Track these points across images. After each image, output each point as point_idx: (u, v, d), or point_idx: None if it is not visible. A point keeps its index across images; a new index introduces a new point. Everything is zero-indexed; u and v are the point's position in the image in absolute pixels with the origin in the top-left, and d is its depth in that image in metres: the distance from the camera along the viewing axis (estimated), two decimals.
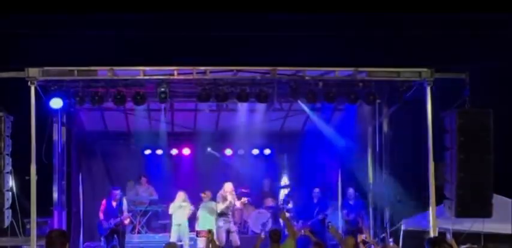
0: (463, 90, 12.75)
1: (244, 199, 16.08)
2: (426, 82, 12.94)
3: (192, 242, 15.99)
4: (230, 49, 16.02)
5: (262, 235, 11.39)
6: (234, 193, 15.57)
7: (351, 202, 16.09)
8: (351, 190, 16.22)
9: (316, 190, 16.17)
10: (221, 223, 15.21)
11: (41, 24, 15.27)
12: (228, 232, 15.22)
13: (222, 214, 15.27)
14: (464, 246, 12.01)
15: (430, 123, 12.91)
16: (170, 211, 16.07)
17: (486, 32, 15.40)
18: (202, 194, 15.89)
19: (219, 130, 18.27)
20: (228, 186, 15.51)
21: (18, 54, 15.07)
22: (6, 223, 12.12)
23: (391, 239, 14.54)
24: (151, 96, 13.63)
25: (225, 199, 15.35)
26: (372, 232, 15.96)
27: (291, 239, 10.49)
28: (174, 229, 16.00)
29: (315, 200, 16.14)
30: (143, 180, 17.83)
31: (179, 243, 15.69)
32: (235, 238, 15.25)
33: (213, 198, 15.85)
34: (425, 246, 6.92)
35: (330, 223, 15.44)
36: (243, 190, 16.55)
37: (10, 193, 12.21)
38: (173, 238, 15.68)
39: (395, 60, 14.35)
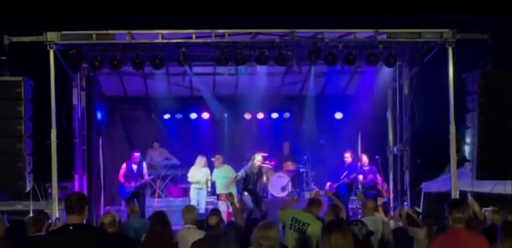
0: (485, 51, 12.59)
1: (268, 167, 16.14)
2: (448, 43, 12.79)
3: (211, 206, 16.09)
4: (249, 11, 15.83)
5: (296, 197, 11.35)
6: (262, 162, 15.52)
7: (366, 168, 16.00)
8: (364, 158, 16.13)
9: (347, 155, 16.05)
10: (246, 193, 15.16)
11: None
12: None
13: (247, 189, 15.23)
14: (487, 209, 11.94)
15: (452, 84, 12.78)
16: (189, 175, 16.18)
17: None
18: (213, 159, 15.99)
19: (238, 94, 18.22)
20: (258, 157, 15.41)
21: (37, 17, 15.01)
22: (28, 187, 12.23)
23: (406, 203, 14.52)
24: (170, 60, 13.60)
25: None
26: (392, 195, 15.96)
27: None
28: (193, 192, 16.11)
29: (345, 165, 16.05)
30: (155, 144, 17.86)
31: (198, 207, 15.81)
32: (262, 206, 15.20)
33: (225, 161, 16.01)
34: (446, 208, 6.82)
35: (358, 190, 15.51)
36: (263, 154, 16.48)
37: (31, 157, 12.29)
38: (193, 201, 15.80)
39: (417, 20, 14.15)
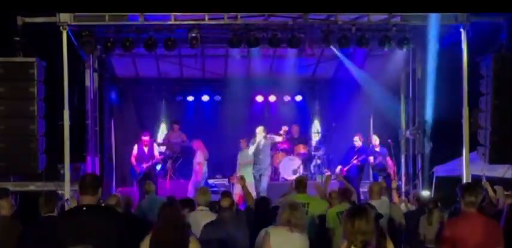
0: (499, 34, 12.49)
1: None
2: (462, 27, 12.70)
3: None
4: None
5: (333, 177, 11.31)
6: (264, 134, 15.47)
7: (377, 149, 15.97)
8: (375, 138, 16.09)
9: (356, 138, 15.97)
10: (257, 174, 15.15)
11: None
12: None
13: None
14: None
15: (465, 68, 12.69)
16: None
17: None
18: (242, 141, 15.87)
19: (249, 76, 18.16)
20: (260, 129, 15.39)
21: None
22: (41, 168, 12.27)
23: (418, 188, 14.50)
24: (183, 42, 13.56)
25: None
26: (404, 179, 15.96)
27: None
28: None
29: (356, 148, 15.98)
30: (175, 126, 17.88)
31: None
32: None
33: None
34: (458, 192, 6.81)
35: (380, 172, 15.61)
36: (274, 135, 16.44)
37: (44, 138, 12.33)
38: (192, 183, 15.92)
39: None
